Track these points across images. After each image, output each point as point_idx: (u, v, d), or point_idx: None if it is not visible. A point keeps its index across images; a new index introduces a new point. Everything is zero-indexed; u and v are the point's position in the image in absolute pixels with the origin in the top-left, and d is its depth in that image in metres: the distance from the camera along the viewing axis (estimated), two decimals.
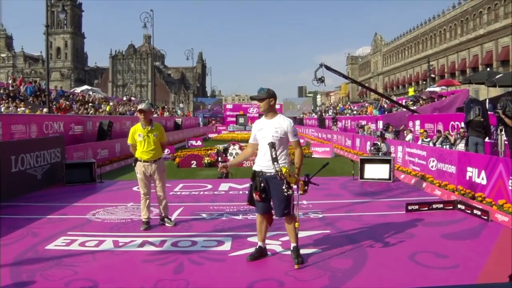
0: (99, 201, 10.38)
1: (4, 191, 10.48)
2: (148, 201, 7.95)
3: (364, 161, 13.10)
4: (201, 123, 58.03)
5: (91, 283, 5.20)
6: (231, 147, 17.06)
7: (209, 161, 17.65)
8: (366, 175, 12.82)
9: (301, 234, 7.07)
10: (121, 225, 8.00)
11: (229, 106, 68.80)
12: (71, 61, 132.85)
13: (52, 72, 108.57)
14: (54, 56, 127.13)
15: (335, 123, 34.81)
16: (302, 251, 6.18)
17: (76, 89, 46.90)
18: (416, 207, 8.75)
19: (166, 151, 16.94)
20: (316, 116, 49.01)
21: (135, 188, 8.26)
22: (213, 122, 63.48)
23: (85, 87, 48.81)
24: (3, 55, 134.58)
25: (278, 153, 5.55)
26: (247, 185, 11.74)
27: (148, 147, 7.84)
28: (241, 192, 11.00)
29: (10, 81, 31.10)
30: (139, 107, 8.30)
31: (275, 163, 5.45)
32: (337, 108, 51.73)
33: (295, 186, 5.62)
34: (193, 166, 17.77)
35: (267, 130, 5.74)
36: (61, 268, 5.74)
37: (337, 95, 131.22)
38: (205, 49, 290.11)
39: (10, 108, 20.41)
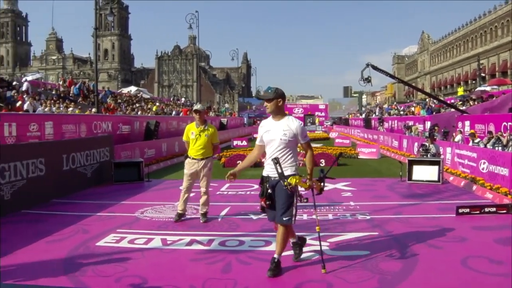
0: (147, 199, 10.54)
1: (56, 189, 10.75)
2: (186, 195, 8.35)
3: (412, 162, 12.87)
4: (246, 123, 58.18)
5: (141, 280, 5.27)
6: None
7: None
8: (414, 177, 12.58)
9: (349, 235, 7.06)
10: (169, 224, 8.10)
11: None
12: (118, 62, 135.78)
13: (100, 73, 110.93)
14: (102, 57, 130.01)
15: (381, 124, 34.35)
16: (350, 252, 6.16)
17: (123, 90, 47.79)
18: (467, 210, 8.46)
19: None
20: (361, 117, 48.52)
21: (182, 187, 8.35)
22: (258, 122, 63.50)
23: (132, 87, 49.68)
24: (53, 57, 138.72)
25: (285, 157, 5.33)
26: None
27: (198, 145, 8.21)
28: None
29: (60, 82, 31.91)
30: (195, 107, 8.64)
31: (282, 178, 5.18)
32: (383, 108, 51.03)
33: (302, 190, 5.44)
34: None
35: (274, 132, 5.40)
36: (111, 264, 5.85)
37: (383, 95, 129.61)
38: (250, 50, 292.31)
39: (61, 109, 20.92)
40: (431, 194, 10.87)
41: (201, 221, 8.17)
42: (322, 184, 5.58)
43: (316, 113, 61.05)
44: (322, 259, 5.44)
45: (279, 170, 5.20)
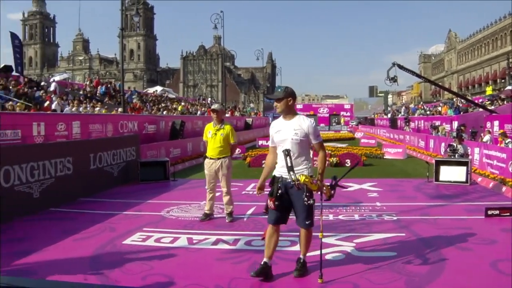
0: (172, 198, 10.59)
1: (83, 187, 10.88)
2: (211, 195, 8.41)
3: (439, 163, 12.69)
4: (271, 123, 58.11)
5: (167, 279, 5.29)
6: None
7: None
8: (441, 178, 12.41)
9: (376, 236, 6.98)
10: (195, 223, 8.14)
11: (299, 106, 68.56)
12: (144, 62, 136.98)
13: (125, 73, 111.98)
14: (128, 57, 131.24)
15: (407, 124, 34.01)
16: (377, 253, 6.10)
17: (149, 90, 48.14)
18: (497, 212, 8.26)
19: (237, 150, 17.05)
20: (387, 116, 48.12)
21: (207, 187, 8.39)
22: None
23: (158, 87, 50.00)
24: (80, 57, 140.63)
25: (297, 158, 5.11)
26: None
27: (215, 145, 8.28)
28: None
29: (87, 83, 32.28)
30: (212, 107, 8.70)
31: (291, 172, 4.92)
32: (410, 108, 50.52)
33: (318, 193, 5.21)
34: (263, 165, 17.73)
35: (285, 132, 5.21)
36: (138, 262, 5.90)
37: (409, 95, 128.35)
38: (275, 50, 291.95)
39: (88, 108, 21.15)
40: (459, 195, 10.72)
41: (226, 221, 8.18)
42: (332, 191, 5.29)
43: (342, 113, 60.82)
44: (321, 268, 5.12)
45: (289, 164, 4.93)
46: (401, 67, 19.85)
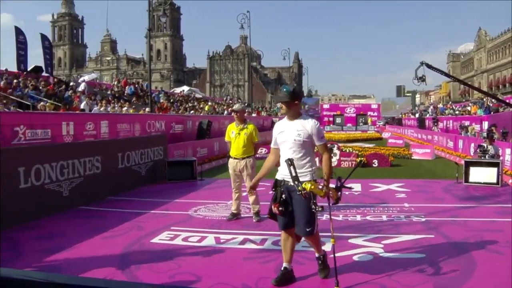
0: (200, 198, 10.63)
1: (111, 186, 10.99)
2: (237, 194, 8.44)
3: (469, 164, 12.45)
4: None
5: (195, 277, 5.32)
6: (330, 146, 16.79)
7: None
8: (471, 179, 12.17)
9: (404, 237, 6.89)
10: (222, 222, 8.15)
11: (326, 106, 68.25)
12: (171, 62, 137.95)
13: (153, 73, 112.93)
14: (155, 58, 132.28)
15: (435, 124, 33.61)
16: (405, 255, 6.02)
17: (176, 90, 48.45)
18: None
19: (263, 150, 17.02)
20: (415, 116, 47.61)
21: (233, 186, 8.41)
22: None
23: (184, 87, 50.29)
24: (108, 58, 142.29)
25: (299, 160, 4.91)
26: (347, 185, 11.64)
27: (239, 145, 8.32)
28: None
29: (115, 83, 32.64)
30: (233, 107, 8.88)
31: (296, 182, 4.69)
32: (438, 108, 49.92)
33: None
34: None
35: (288, 133, 5.02)
36: (165, 261, 5.94)
37: (437, 94, 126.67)
38: (301, 49, 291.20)
39: (116, 108, 21.38)
40: (489, 197, 10.50)
41: (254, 220, 8.18)
42: (339, 193, 5.03)
43: (369, 113, 60.17)
44: (336, 275, 4.87)
45: (293, 173, 4.71)
46: (429, 66, 19.54)
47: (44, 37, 27.04)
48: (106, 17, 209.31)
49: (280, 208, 4.90)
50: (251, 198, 8.21)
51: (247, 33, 58.83)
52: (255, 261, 5.98)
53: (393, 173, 14.83)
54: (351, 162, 16.98)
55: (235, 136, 8.33)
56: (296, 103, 5.07)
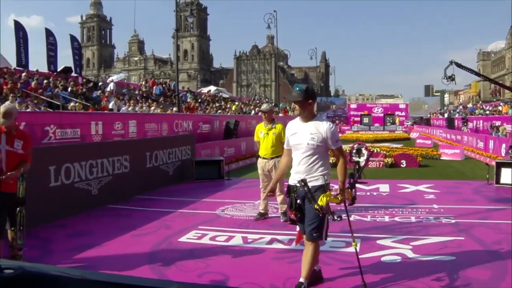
0: (227, 197, 10.65)
1: (139, 185, 11.09)
2: (265, 194, 8.24)
3: (500, 165, 12.19)
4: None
5: (222, 277, 5.33)
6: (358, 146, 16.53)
7: (333, 161, 17.39)
8: (502, 180, 11.88)
9: (433, 239, 6.80)
10: (250, 222, 8.16)
11: (353, 106, 67.85)
12: (198, 62, 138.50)
13: (180, 73, 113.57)
14: (182, 58, 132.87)
15: (465, 124, 33.14)
16: (435, 257, 5.91)
17: (203, 90, 48.71)
18: None
19: None
20: (444, 116, 47.00)
21: (260, 186, 8.42)
22: (337, 122, 62.82)
23: (211, 87, 50.53)
24: (135, 58, 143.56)
25: (312, 164, 4.66)
26: (375, 186, 11.56)
27: (267, 145, 8.34)
28: (368, 193, 10.82)
29: (142, 83, 32.95)
30: (261, 108, 8.89)
31: (312, 201, 4.49)
32: (467, 107, 49.19)
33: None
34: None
35: (301, 135, 4.73)
36: (193, 260, 5.97)
37: (467, 94, 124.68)
38: (328, 49, 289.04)
39: (144, 108, 21.58)
40: None
41: (281, 220, 8.15)
42: (353, 191, 4.85)
43: (396, 113, 59.61)
44: (362, 278, 4.80)
45: (308, 194, 4.52)
46: (459, 65, 19.36)
47: (73, 38, 27.51)
48: (133, 18, 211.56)
49: (298, 215, 4.74)
50: (279, 198, 8.19)
51: (274, 33, 58.89)
52: (283, 261, 5.96)
53: (421, 174, 14.65)
54: (379, 163, 16.85)
55: (264, 136, 8.35)
56: (310, 102, 4.77)
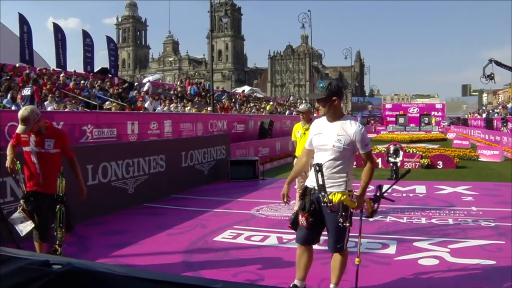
0: (262, 197, 10.65)
1: (175, 184, 11.19)
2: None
3: None
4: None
5: (257, 277, 5.34)
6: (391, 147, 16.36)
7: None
8: None
9: (472, 242, 6.66)
10: (285, 222, 8.09)
11: (388, 106, 67.16)
12: (232, 62, 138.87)
13: (214, 74, 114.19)
14: (216, 58, 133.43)
15: (504, 124, 32.39)
16: (474, 261, 5.77)
17: (237, 89, 48.86)
18: None
19: None
20: (481, 117, 46.08)
21: (296, 186, 8.39)
22: (372, 122, 62.23)
23: (246, 87, 50.65)
24: (170, 58, 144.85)
25: (335, 169, 4.28)
26: (411, 187, 11.41)
27: (304, 144, 8.09)
28: (404, 194, 10.69)
29: (178, 83, 33.25)
30: (298, 108, 8.83)
31: (322, 192, 4.20)
32: (507, 107, 48.07)
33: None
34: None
35: (327, 136, 4.33)
36: (229, 259, 5.99)
37: (506, 93, 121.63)
38: (363, 48, 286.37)
39: (179, 108, 21.75)
40: None
41: None
42: (375, 205, 4.47)
43: (433, 113, 58.71)
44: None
45: (320, 181, 4.20)
46: (498, 63, 19.00)
47: (109, 40, 27.90)
48: (168, 19, 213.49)
49: (310, 219, 4.35)
50: None
51: (308, 33, 58.50)
52: (317, 261, 5.89)
53: (459, 175, 14.38)
54: (415, 164, 16.62)
55: (301, 136, 8.29)
56: (334, 99, 4.31)
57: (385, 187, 4.66)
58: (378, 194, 4.52)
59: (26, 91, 13.63)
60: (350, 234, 4.47)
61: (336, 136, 4.26)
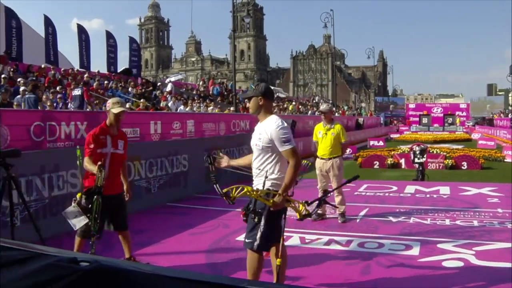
0: None
1: (198, 184, 11.23)
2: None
3: None
4: (382, 123, 56.70)
5: None
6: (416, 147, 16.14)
7: (392, 162, 17.15)
8: None
9: (498, 245, 6.54)
10: (307, 222, 8.04)
11: (411, 106, 66.37)
12: (254, 62, 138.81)
13: (236, 74, 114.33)
14: (238, 58, 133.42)
15: None
16: (500, 264, 5.66)
17: None
18: None
19: (348, 150, 16.86)
20: (508, 117, 45.38)
21: (318, 187, 8.37)
22: (395, 122, 61.68)
23: None
24: (192, 59, 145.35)
25: (258, 168, 4.42)
26: (435, 188, 11.28)
27: (325, 145, 8.28)
28: (428, 195, 10.56)
29: (200, 83, 33.41)
30: (320, 108, 8.83)
31: (216, 185, 4.20)
32: None
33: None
34: (375, 166, 17.42)
35: (254, 136, 4.51)
36: None
37: None
38: (386, 47, 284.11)
39: (201, 108, 21.84)
40: None
41: (339, 221, 8.08)
42: (313, 209, 4.63)
43: (457, 113, 57.91)
44: None
45: (211, 169, 4.37)
46: None
47: (132, 40, 28.15)
48: (190, 19, 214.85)
49: (243, 218, 4.54)
50: (337, 199, 8.14)
51: (330, 32, 58.28)
52: (341, 262, 5.91)
53: (484, 176, 14.18)
54: (438, 164, 16.45)
55: (322, 136, 8.30)
56: (261, 98, 4.42)
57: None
58: (322, 197, 4.79)
59: (77, 91, 14.43)
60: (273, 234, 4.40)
61: (258, 135, 4.40)
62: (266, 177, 4.29)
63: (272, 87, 50.10)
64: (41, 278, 1.15)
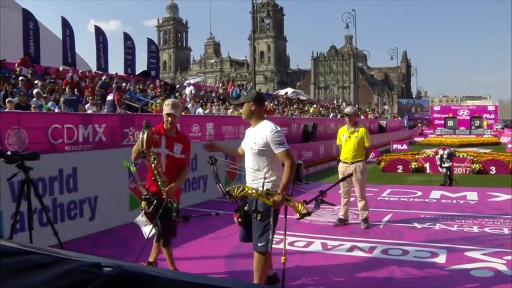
0: None
1: (218, 188, 11.13)
2: (345, 200, 8.27)
3: None
4: (406, 126, 56.15)
5: (300, 282, 5.31)
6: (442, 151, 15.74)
7: (416, 166, 16.91)
8: None
9: None
10: (329, 228, 7.98)
11: (436, 108, 65.33)
12: (274, 64, 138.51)
13: (256, 75, 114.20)
14: (258, 60, 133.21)
15: None
16: None
17: (280, 91, 48.73)
18: None
19: (371, 154, 16.65)
20: None
21: (341, 191, 8.24)
22: (419, 125, 61.07)
23: (288, 89, 50.45)
24: (211, 60, 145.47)
25: (255, 171, 4.62)
26: (461, 194, 11.02)
27: (349, 148, 8.17)
28: (454, 201, 10.33)
29: (219, 85, 33.43)
30: (345, 111, 8.73)
31: (219, 184, 4.49)
32: None
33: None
34: (399, 171, 17.21)
35: (247, 140, 4.82)
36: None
37: None
38: (409, 48, 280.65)
39: (221, 110, 21.78)
40: None
41: (362, 227, 7.94)
42: (312, 209, 4.88)
43: (484, 115, 56.80)
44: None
45: (214, 172, 4.58)
46: None
47: (150, 42, 28.22)
48: (209, 20, 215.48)
49: (239, 220, 4.72)
50: (360, 204, 8.01)
51: (352, 33, 57.93)
52: (364, 269, 5.78)
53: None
54: (465, 169, 16.17)
55: (346, 140, 8.19)
56: (253, 106, 4.69)
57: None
58: (318, 198, 4.98)
59: (110, 97, 15.04)
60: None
61: (253, 139, 4.65)
62: (265, 178, 4.49)
63: (292, 89, 50.10)
64: (64, 283, 1.18)
